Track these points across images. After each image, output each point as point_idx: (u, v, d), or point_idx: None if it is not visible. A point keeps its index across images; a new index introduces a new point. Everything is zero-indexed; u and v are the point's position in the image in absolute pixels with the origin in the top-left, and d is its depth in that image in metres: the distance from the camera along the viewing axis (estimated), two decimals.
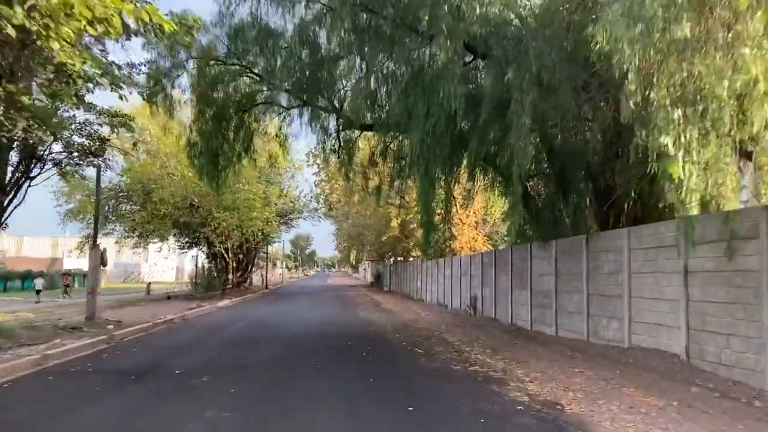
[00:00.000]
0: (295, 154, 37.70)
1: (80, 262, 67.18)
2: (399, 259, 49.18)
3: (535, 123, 10.78)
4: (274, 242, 49.91)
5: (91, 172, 20.43)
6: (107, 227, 34.73)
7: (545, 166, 15.56)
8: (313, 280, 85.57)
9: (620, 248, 11.15)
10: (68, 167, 15.99)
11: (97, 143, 14.37)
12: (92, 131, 14.48)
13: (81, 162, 14.83)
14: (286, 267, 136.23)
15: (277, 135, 21.02)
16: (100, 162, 15.51)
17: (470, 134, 13.02)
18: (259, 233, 32.74)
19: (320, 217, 40.38)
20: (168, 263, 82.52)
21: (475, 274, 21.25)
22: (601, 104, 11.60)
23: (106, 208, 34.10)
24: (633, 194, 12.52)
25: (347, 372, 9.50)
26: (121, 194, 33.88)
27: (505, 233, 27.77)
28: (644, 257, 10.37)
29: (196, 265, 44.19)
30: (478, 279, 20.66)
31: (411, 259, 43.27)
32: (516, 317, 16.74)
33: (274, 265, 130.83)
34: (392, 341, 13.69)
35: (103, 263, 18.45)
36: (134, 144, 16.71)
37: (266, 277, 50.36)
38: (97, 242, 18.69)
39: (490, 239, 25.98)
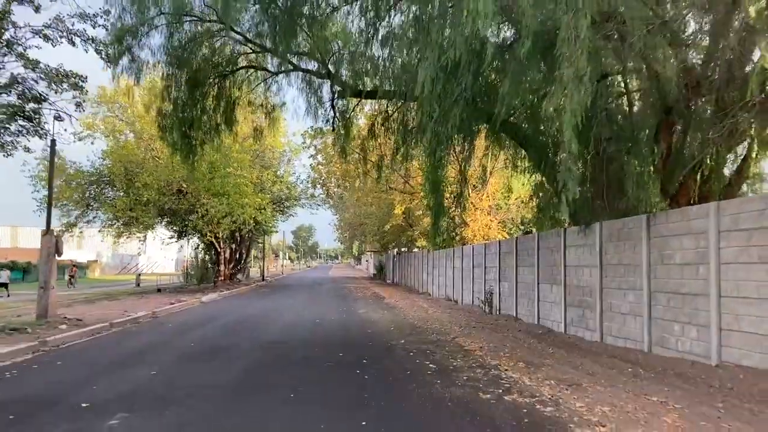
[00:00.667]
0: (292, 137, 34.85)
1: (71, 253, 64.41)
2: (403, 249, 46.30)
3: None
4: (271, 232, 47.05)
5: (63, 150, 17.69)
6: (89, 215, 31.90)
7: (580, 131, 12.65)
8: (314, 272, 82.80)
9: (703, 230, 8.19)
10: (6, 137, 13.05)
11: (30, 104, 11.37)
12: (26, 89, 11.51)
13: (8, 126, 11.88)
14: (289, 258, 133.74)
15: (263, 105, 18.05)
16: (39, 129, 12.54)
17: (498, 84, 10.13)
18: (251, 221, 29.85)
19: (318, 204, 37.49)
20: (169, 254, 79.96)
21: (491, 266, 18.33)
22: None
23: (87, 194, 31.36)
24: (709, 161, 9.58)
25: (330, 406, 6.60)
26: (103, 179, 31.05)
27: (522, 221, 24.84)
28: (745, 241, 7.41)
29: (193, 257, 41.43)
30: (495, 271, 17.74)
31: (416, 249, 40.42)
32: (544, 317, 13.82)
33: (277, 256, 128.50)
34: (396, 349, 10.78)
35: (58, 252, 15.55)
36: (78, 105, 13.75)
37: (263, 268, 47.53)
38: (51, 227, 15.80)
39: (505, 227, 22.99)
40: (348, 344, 11.52)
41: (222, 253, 34.61)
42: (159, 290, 31.67)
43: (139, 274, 42.74)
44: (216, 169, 29.75)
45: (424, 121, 10.46)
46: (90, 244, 71.57)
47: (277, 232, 52.31)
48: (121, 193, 30.34)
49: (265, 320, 16.38)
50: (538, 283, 14.19)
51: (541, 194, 15.17)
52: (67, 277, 40.35)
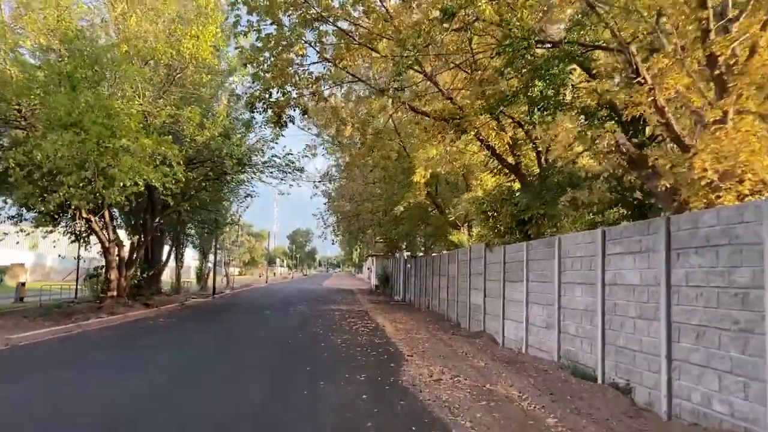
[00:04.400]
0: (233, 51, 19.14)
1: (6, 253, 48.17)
2: (418, 253, 30.57)
3: None
4: (226, 223, 31.44)
5: None
6: None
7: None
8: (306, 282, 66.84)
9: None
10: None
11: None
12: None
13: None
14: (287, 266, 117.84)
15: None
16: None
17: None
18: (131, 183, 14.09)
19: (286, 172, 21.50)
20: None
21: None
22: None
23: None
24: None
25: None
26: None
27: None
28: None
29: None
30: None
31: (437, 251, 24.88)
32: None
33: (272, 263, 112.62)
34: None
35: None
36: None
37: (215, 278, 31.72)
38: None
39: None
40: None
41: (112, 250, 18.86)
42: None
43: (22, 284, 27.03)
44: (77, 86, 14.36)
45: None
46: (44, 244, 55.68)
47: (237, 223, 36.45)
48: None
49: None
50: None
51: None
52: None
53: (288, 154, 20.67)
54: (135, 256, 20.07)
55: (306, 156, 23.14)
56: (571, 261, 8.93)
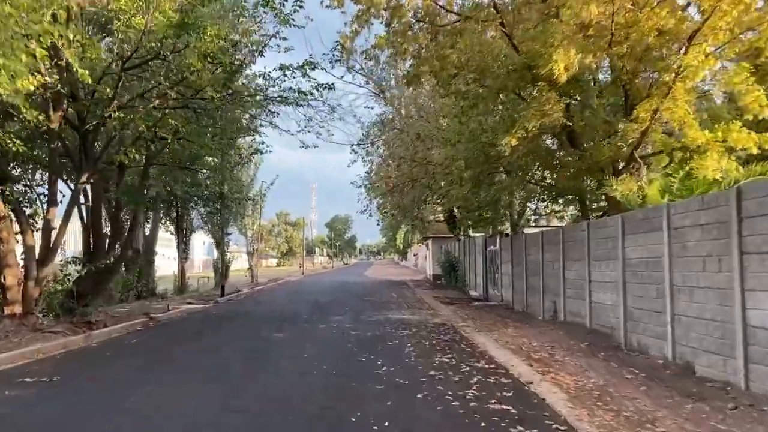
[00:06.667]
0: None
1: None
2: (518, 227, 21.37)
3: None
4: (236, 198, 22.89)
5: None
6: None
7: None
8: (345, 273, 58.09)
9: None
10: None
11: None
12: None
13: None
14: (327, 255, 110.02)
15: None
16: None
17: None
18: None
19: (307, 102, 12.61)
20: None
21: None
22: None
23: None
24: None
25: None
26: None
27: None
28: None
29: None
30: None
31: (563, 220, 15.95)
32: None
33: (311, 252, 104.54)
34: None
35: None
36: None
37: (223, 272, 23.14)
38: None
39: None
40: None
41: (5, 235, 10.37)
42: None
43: None
44: None
45: None
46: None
47: (252, 200, 27.89)
48: None
49: None
50: None
51: None
52: None
53: (309, 62, 11.57)
54: (54, 243, 11.43)
55: (336, 58, 14.03)
56: None
